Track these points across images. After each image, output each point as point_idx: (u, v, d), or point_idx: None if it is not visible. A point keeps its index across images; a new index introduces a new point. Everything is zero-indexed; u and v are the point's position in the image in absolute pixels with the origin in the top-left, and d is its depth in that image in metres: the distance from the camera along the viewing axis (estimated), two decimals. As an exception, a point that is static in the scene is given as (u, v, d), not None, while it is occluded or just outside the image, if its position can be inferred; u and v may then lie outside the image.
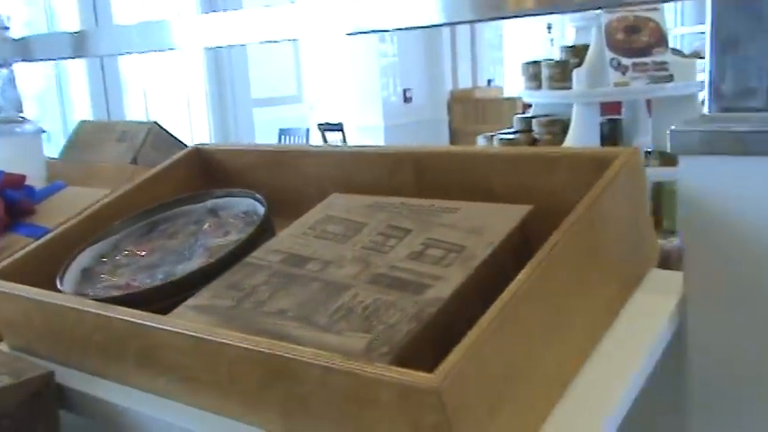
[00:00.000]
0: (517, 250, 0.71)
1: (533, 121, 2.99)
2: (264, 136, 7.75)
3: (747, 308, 0.69)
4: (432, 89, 7.87)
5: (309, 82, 9.04)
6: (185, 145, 1.51)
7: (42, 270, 0.90)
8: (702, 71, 3.02)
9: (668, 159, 2.75)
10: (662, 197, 3.15)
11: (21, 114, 1.46)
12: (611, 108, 3.23)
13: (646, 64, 2.80)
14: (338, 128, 8.05)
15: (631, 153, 0.73)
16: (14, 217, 1.05)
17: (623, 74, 2.79)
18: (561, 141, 2.85)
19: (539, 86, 2.95)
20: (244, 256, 0.79)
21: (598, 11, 2.85)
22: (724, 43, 0.67)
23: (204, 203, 0.95)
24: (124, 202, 1.02)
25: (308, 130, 8.14)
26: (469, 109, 7.89)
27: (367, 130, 7.56)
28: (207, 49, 6.26)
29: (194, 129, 6.57)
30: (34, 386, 0.78)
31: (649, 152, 2.74)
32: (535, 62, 3.00)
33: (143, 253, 0.90)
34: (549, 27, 5.56)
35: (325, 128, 8.46)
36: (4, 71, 1.43)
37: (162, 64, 6.37)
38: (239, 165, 1.08)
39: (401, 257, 0.71)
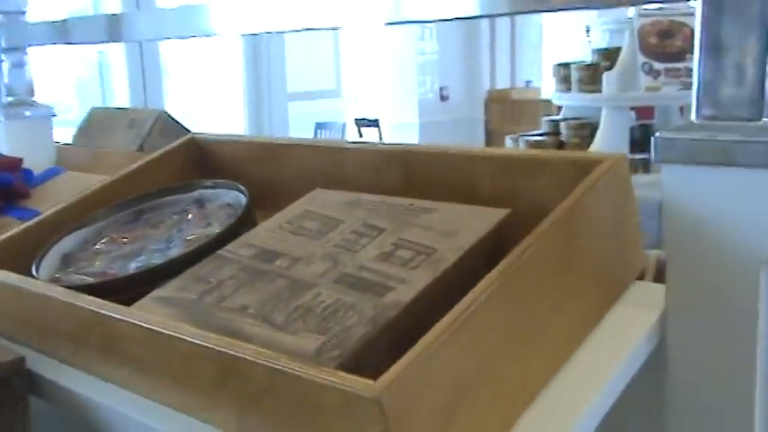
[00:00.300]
0: (491, 255, 0.68)
1: (561, 123, 2.93)
2: (300, 129, 7.77)
3: (729, 324, 0.66)
4: (469, 88, 7.82)
5: (349, 77, 9.04)
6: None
7: (26, 253, 0.89)
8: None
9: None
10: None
11: (32, 98, 1.47)
12: (644, 113, 3.16)
13: (678, 69, 2.73)
14: (375, 123, 8.04)
15: (616, 159, 0.70)
16: (8, 199, 1.06)
17: (655, 78, 2.73)
18: (589, 145, 2.80)
19: (568, 89, 2.90)
20: (219, 248, 0.77)
21: (632, 15, 2.79)
22: (713, 48, 0.64)
23: (192, 194, 0.94)
24: (116, 188, 1.01)
25: (344, 124, 8.15)
26: (506, 109, 7.83)
27: (402, 126, 7.54)
28: (246, 41, 6.29)
29: (229, 119, 6.61)
30: (3, 372, 0.77)
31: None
32: (566, 64, 2.94)
33: (125, 241, 0.89)
34: (588, 29, 5.48)
35: (362, 123, 8.46)
36: (17, 54, 1.44)
37: (201, 53, 6.41)
38: (234, 155, 1.07)
39: (370, 257, 0.69)
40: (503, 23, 7.83)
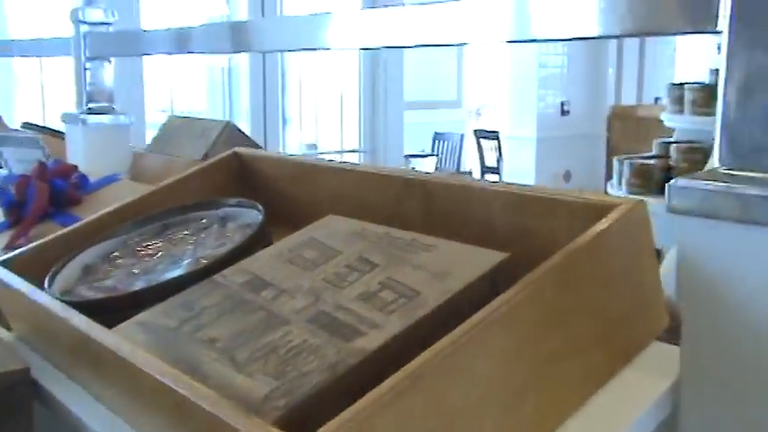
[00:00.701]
0: (488, 300, 0.63)
1: (672, 146, 2.77)
2: (418, 139, 7.79)
3: (748, 398, 0.57)
4: (592, 103, 7.58)
5: (471, 88, 8.99)
6: (258, 145, 1.51)
7: (56, 261, 0.91)
8: None
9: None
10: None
11: (112, 106, 1.51)
12: None
13: (805, 94, 2.51)
14: (494, 136, 7.95)
15: (633, 205, 0.63)
16: (60, 206, 1.08)
17: (777, 103, 2.52)
18: (700, 170, 2.63)
19: (681, 110, 2.74)
20: (221, 269, 0.75)
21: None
22: (740, 88, 0.56)
23: (217, 211, 0.93)
24: (154, 200, 1.02)
25: (461, 135, 8.10)
26: (630, 126, 7.52)
27: (520, 140, 7.40)
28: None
29: (345, 126, 6.69)
30: (8, 380, 0.78)
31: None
32: (680, 84, 2.78)
33: (143, 256, 0.88)
34: (719, 47, 5.18)
35: (481, 135, 8.41)
36: (100, 63, 1.49)
37: (320, 58, 6.52)
38: (273, 173, 1.05)
39: (352, 296, 0.64)
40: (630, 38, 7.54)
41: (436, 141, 8.32)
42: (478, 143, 8.33)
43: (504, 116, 7.82)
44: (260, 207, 0.87)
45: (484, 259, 0.65)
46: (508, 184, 0.75)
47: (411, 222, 0.80)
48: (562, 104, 7.42)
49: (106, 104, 1.51)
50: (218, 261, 0.77)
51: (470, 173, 8.47)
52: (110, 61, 1.53)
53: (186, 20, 5.50)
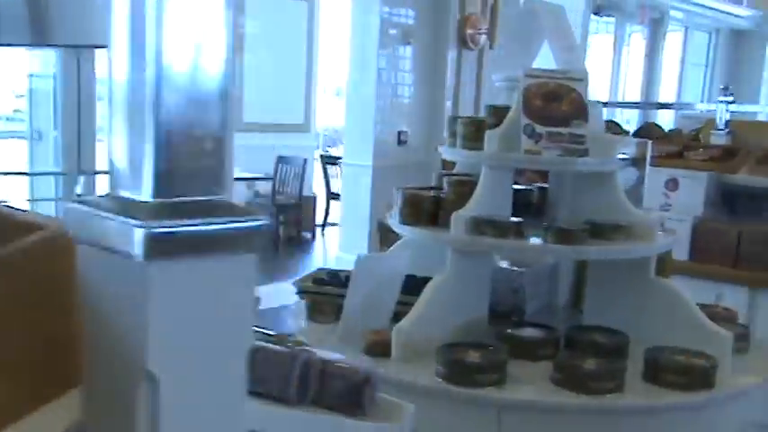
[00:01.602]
0: None
1: (444, 178, 2.83)
2: (261, 162, 7.70)
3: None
4: (428, 133, 7.73)
5: (321, 113, 9.02)
6: None
7: None
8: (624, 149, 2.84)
9: (565, 236, 2.56)
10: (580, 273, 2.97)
11: None
12: (544, 175, 3.10)
13: (561, 135, 2.64)
14: (338, 161, 7.99)
15: (50, 235, 0.58)
16: None
17: (536, 142, 2.64)
18: (465, 203, 2.69)
19: (455, 143, 2.80)
20: None
21: (520, 73, 2.71)
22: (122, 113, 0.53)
23: None
24: None
25: (305, 160, 8.07)
26: (462, 157, 7.70)
27: (359, 167, 7.44)
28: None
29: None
30: None
31: (547, 227, 2.57)
32: (455, 118, 2.85)
33: None
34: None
35: (326, 161, 8.46)
36: None
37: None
38: None
39: None
40: (469, 60, 7.77)
41: (280, 165, 8.26)
42: (324, 169, 8.36)
43: (346, 143, 7.86)
44: None
45: None
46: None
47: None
48: (399, 134, 7.52)
49: None
50: None
51: (314, 197, 8.48)
52: None
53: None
